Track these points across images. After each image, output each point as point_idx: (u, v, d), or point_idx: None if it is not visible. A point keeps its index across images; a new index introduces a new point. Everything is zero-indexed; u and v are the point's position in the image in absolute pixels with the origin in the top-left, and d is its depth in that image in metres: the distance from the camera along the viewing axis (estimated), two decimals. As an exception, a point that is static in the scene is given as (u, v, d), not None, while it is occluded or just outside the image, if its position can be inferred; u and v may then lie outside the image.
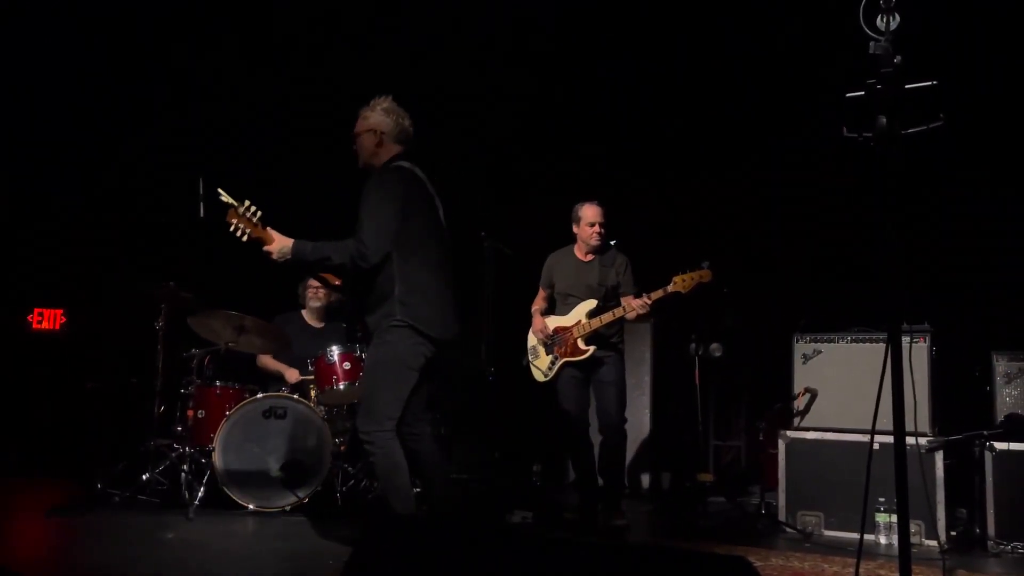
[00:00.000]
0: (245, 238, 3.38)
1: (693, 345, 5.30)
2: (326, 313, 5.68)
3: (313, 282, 5.61)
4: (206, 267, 6.51)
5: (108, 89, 6.73)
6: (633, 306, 4.49)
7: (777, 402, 5.09)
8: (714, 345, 5.34)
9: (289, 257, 3.43)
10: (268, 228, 3.45)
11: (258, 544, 4.14)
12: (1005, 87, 5.25)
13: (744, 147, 6.17)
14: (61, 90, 6.70)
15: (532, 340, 4.90)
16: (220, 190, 3.40)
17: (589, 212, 4.77)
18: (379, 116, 3.64)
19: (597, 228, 4.74)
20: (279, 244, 3.42)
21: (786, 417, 4.94)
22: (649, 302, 4.48)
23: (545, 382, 4.84)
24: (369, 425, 3.40)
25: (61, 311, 7.01)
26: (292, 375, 5.30)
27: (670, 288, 4.46)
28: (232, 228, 3.37)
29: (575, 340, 4.66)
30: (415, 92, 6.44)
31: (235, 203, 3.37)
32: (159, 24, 6.45)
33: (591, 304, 4.67)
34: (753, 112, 6.04)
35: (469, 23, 6.19)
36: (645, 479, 6.14)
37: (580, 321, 4.67)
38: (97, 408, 6.40)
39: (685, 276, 4.43)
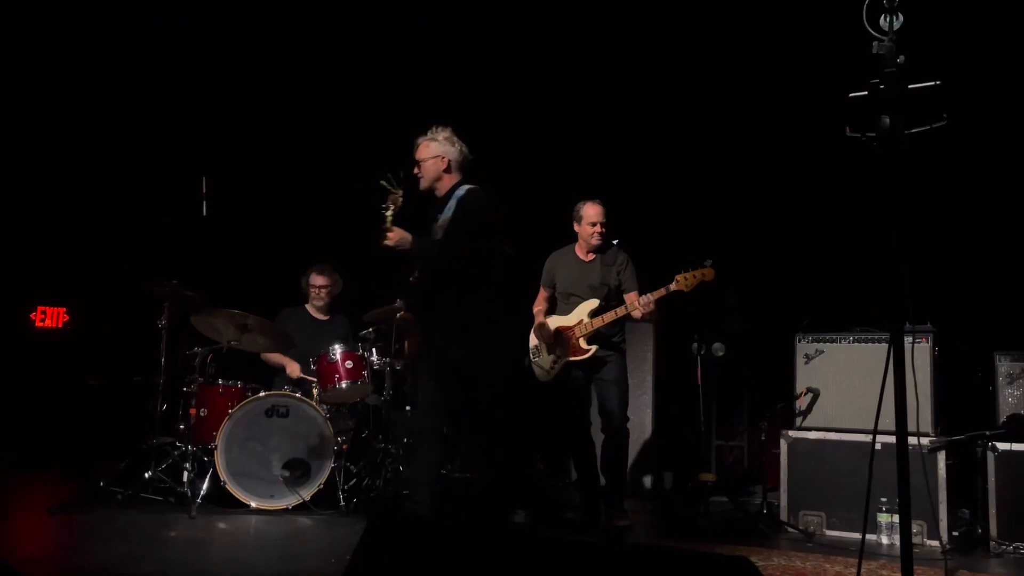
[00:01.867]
0: (388, 223, 3.71)
1: (695, 345, 5.29)
2: (330, 306, 5.72)
3: (315, 280, 5.64)
4: (209, 265, 6.52)
5: (110, 86, 6.73)
6: (638, 304, 4.48)
7: (779, 402, 5.08)
8: (716, 345, 5.33)
9: (406, 248, 3.75)
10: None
11: (260, 542, 4.15)
12: (1008, 85, 5.24)
13: (747, 145, 6.16)
14: (63, 88, 6.70)
15: (534, 340, 4.90)
16: (389, 175, 3.73)
17: (590, 211, 4.76)
18: (445, 145, 3.96)
19: (598, 228, 4.73)
20: (399, 236, 3.73)
21: (788, 417, 4.94)
22: (653, 299, 4.46)
23: (547, 381, 4.84)
24: None
25: (64, 309, 7.02)
26: (293, 368, 5.34)
27: (672, 287, 4.45)
28: (388, 211, 3.70)
29: (577, 339, 4.66)
30: (416, 90, 6.49)
31: (398, 190, 3.72)
32: (160, 22, 6.45)
33: (593, 303, 4.66)
34: (755, 111, 6.04)
35: (470, 18, 6.19)
36: (647, 479, 6.14)
37: (582, 320, 4.66)
38: (100, 406, 6.40)
39: (687, 274, 4.42)
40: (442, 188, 3.96)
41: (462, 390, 3.84)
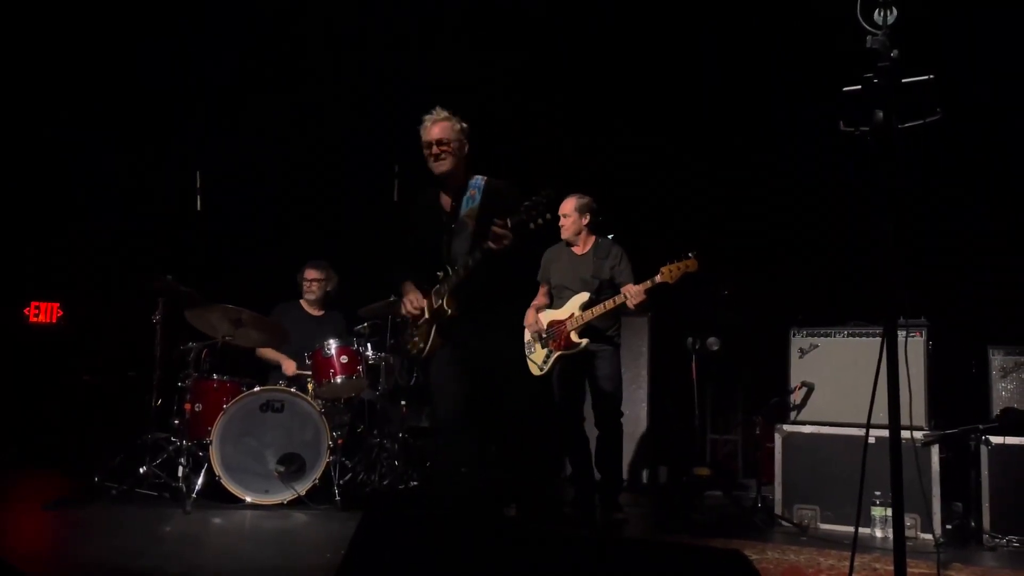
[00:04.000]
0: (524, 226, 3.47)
1: (690, 339, 5.30)
2: (324, 302, 5.71)
3: (309, 274, 5.62)
4: (203, 260, 6.51)
5: (103, 82, 6.71)
6: (631, 292, 4.49)
7: (774, 396, 5.10)
8: (711, 339, 5.34)
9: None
10: None
11: (255, 537, 4.14)
12: (1001, 80, 5.26)
13: (741, 140, 6.16)
14: (56, 83, 6.68)
15: (527, 334, 4.90)
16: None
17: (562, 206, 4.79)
18: (465, 129, 3.70)
19: (560, 220, 4.75)
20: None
21: (783, 411, 4.95)
22: (642, 290, 4.48)
23: (541, 376, 4.85)
24: None
25: (57, 304, 7.01)
26: (289, 366, 5.32)
27: (658, 278, 4.47)
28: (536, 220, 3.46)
29: (569, 333, 4.66)
30: (405, 84, 6.47)
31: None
32: (152, 18, 6.43)
33: (584, 297, 4.67)
34: (750, 105, 6.04)
35: (461, 14, 6.18)
36: (643, 473, 6.16)
37: (573, 314, 4.67)
38: (94, 401, 6.40)
39: (672, 266, 4.44)
40: (459, 175, 3.71)
41: (496, 391, 3.67)
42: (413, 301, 3.71)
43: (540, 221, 3.45)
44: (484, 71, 6.27)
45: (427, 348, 3.68)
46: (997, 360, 4.79)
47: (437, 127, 3.65)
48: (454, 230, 3.70)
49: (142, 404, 5.06)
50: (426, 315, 3.69)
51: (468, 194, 3.70)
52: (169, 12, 6.37)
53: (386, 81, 6.59)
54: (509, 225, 3.45)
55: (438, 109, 3.69)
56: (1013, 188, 5.31)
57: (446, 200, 3.75)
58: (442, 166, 3.65)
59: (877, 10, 2.45)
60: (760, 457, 5.31)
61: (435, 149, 3.64)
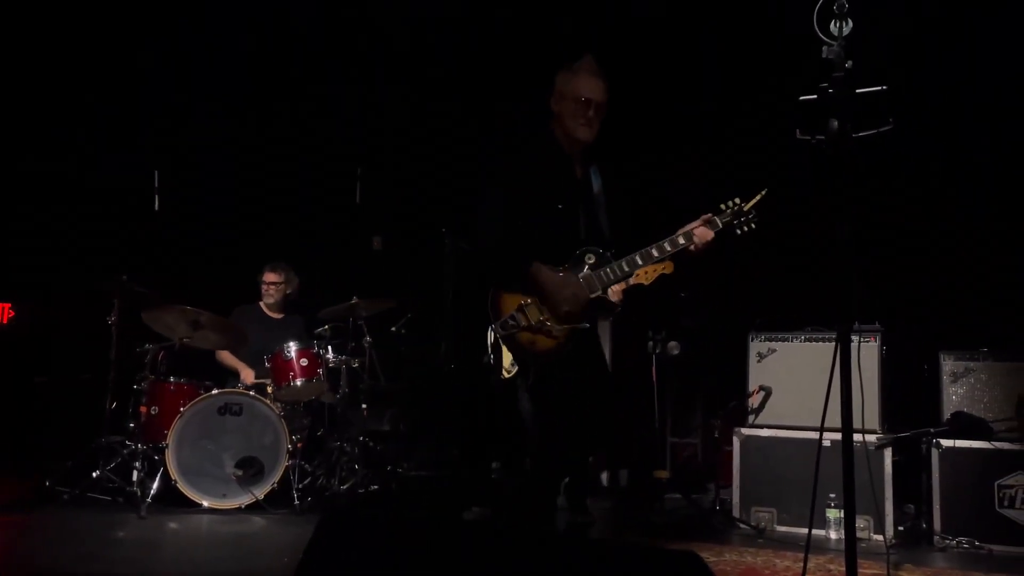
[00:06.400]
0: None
1: (651, 343, 5.34)
2: (284, 305, 5.65)
3: (267, 277, 5.57)
4: (161, 261, 6.42)
5: (60, 78, 6.58)
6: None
7: (733, 400, 5.16)
8: (671, 343, 5.39)
9: None
10: None
11: (212, 542, 4.09)
12: (953, 86, 5.38)
13: (699, 145, 6.23)
14: (8, 79, 6.54)
15: (491, 337, 4.88)
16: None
17: None
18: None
19: None
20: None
21: (741, 415, 5.01)
22: (620, 291, 4.50)
23: (507, 380, 4.83)
24: None
25: (8, 305, 6.85)
26: (248, 375, 5.26)
27: (632, 280, 4.49)
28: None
29: (535, 337, 4.66)
30: (384, 82, 6.44)
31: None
32: (112, 14, 6.33)
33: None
34: (709, 111, 6.11)
35: (431, 7, 6.16)
36: (603, 476, 6.18)
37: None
38: (47, 404, 6.26)
39: (647, 268, 4.46)
40: (584, 148, 3.26)
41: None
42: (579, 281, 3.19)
43: (747, 229, 3.25)
44: (457, 64, 6.25)
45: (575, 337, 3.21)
46: (948, 365, 4.89)
47: (601, 87, 3.17)
48: (594, 205, 3.32)
49: (96, 407, 4.96)
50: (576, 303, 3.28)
51: (593, 167, 3.33)
52: (143, 11, 6.27)
53: (350, 81, 6.55)
54: (718, 226, 3.22)
55: (591, 59, 3.20)
56: (965, 194, 5.44)
57: (577, 168, 3.32)
58: (589, 133, 3.21)
59: (833, 21, 2.50)
60: (719, 460, 5.37)
61: (591, 112, 3.17)
